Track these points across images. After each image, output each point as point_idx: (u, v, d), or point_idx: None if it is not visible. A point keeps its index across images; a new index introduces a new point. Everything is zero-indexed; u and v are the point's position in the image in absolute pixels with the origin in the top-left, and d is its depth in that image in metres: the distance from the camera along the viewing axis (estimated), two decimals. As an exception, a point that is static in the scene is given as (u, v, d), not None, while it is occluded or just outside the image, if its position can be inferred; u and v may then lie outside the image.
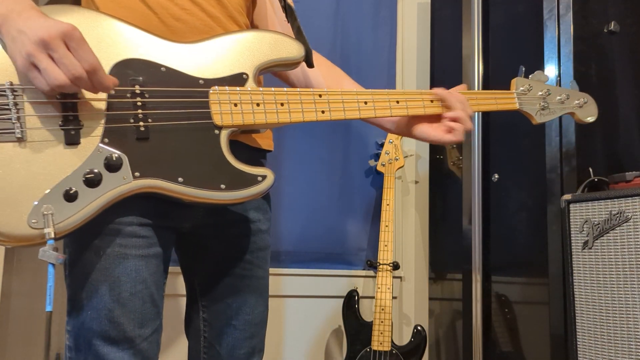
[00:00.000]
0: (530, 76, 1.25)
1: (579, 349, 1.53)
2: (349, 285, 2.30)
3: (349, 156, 2.45)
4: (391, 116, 1.10)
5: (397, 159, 2.31)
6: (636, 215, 1.43)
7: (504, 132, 1.94)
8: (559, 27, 1.75)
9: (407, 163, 2.44)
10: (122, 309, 0.93)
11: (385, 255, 2.20)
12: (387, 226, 2.22)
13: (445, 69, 2.37)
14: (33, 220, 0.82)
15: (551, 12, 1.77)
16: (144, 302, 0.95)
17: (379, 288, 2.17)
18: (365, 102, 1.05)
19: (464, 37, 2.14)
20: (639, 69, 1.82)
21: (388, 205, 2.24)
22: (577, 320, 1.54)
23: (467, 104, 1.12)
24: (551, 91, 1.26)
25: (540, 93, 1.25)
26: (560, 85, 1.73)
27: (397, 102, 1.08)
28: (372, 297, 2.29)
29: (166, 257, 1.03)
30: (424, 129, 1.13)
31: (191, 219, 1.06)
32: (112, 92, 0.88)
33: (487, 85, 2.03)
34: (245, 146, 1.09)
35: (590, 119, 1.30)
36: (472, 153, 2.02)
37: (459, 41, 2.16)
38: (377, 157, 2.36)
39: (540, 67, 1.77)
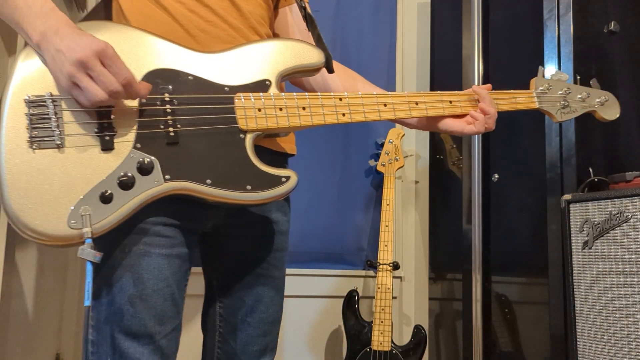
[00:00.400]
0: (550, 75, 1.26)
1: (579, 349, 1.53)
2: (349, 285, 2.30)
3: (349, 156, 2.45)
4: (410, 117, 1.15)
5: (397, 159, 2.31)
6: (636, 215, 1.43)
7: (504, 132, 1.94)
8: (559, 27, 1.75)
9: (407, 163, 2.44)
10: (144, 304, 0.97)
11: (385, 255, 2.20)
12: (387, 226, 2.22)
13: (445, 69, 2.37)
14: (72, 221, 0.87)
15: (551, 12, 1.77)
16: (164, 299, 0.99)
17: (379, 288, 2.17)
18: (385, 105, 1.10)
19: (464, 37, 2.14)
20: (639, 69, 1.82)
21: (388, 205, 2.24)
22: (577, 320, 1.54)
23: (495, 107, 1.19)
24: (571, 90, 1.27)
25: (561, 92, 1.26)
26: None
27: (417, 103, 1.13)
28: (372, 297, 2.29)
29: (189, 258, 1.06)
30: (447, 122, 1.19)
31: (214, 219, 1.09)
32: (144, 100, 0.94)
33: (487, 85, 2.03)
34: (269, 150, 1.13)
35: (612, 117, 1.30)
36: (472, 153, 2.02)
37: (459, 41, 2.16)
38: (377, 157, 2.36)
39: (540, 67, 1.77)
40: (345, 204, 2.43)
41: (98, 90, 0.86)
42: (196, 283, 1.17)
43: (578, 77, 1.31)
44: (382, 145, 2.35)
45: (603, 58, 1.79)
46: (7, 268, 1.40)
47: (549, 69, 1.75)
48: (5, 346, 1.44)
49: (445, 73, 2.36)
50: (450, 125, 1.19)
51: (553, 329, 1.65)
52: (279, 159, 1.18)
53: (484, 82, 2.03)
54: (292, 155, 1.23)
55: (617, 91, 1.32)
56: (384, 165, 2.31)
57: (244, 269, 1.16)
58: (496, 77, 2.02)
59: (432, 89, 2.43)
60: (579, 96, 1.27)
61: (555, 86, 1.26)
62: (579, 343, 1.53)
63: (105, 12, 1.12)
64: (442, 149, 2.32)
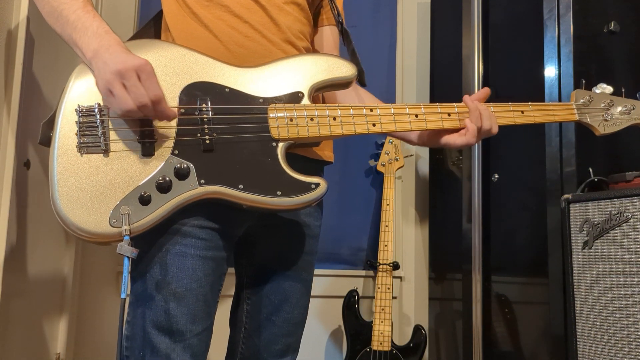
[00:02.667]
0: (593, 88, 1.26)
1: (579, 349, 1.53)
2: (349, 285, 2.30)
3: (349, 156, 2.45)
4: (443, 128, 1.16)
5: (397, 159, 2.31)
6: (636, 215, 1.43)
7: (504, 132, 1.94)
8: (559, 27, 1.75)
9: (407, 163, 2.44)
10: (177, 302, 1.01)
11: (385, 255, 2.20)
12: (387, 226, 2.22)
13: (445, 69, 2.37)
14: (113, 220, 0.94)
15: (551, 12, 1.77)
16: (197, 299, 1.03)
17: (379, 288, 2.17)
18: (416, 115, 1.13)
19: (464, 37, 2.14)
20: (639, 69, 1.82)
21: (388, 205, 2.24)
22: (577, 320, 1.54)
23: (487, 116, 1.16)
24: (614, 102, 1.27)
25: (603, 105, 1.27)
26: (561, 86, 1.73)
27: (449, 114, 1.15)
28: (372, 297, 2.29)
29: (225, 262, 1.10)
30: (448, 137, 1.18)
31: (249, 222, 1.14)
32: (182, 110, 1.00)
33: (487, 85, 2.03)
34: (304, 158, 1.17)
35: None
36: (472, 153, 2.02)
37: (459, 41, 2.16)
38: (377, 157, 2.36)
39: (540, 67, 1.77)
40: (345, 204, 2.43)
41: (128, 100, 0.93)
42: (224, 283, 1.18)
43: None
44: (382, 145, 2.35)
45: (603, 58, 1.79)
46: (8, 268, 1.40)
47: (549, 69, 1.75)
48: (5, 346, 1.44)
49: (445, 73, 2.36)
50: (448, 139, 1.18)
51: (553, 329, 1.65)
52: (315, 166, 1.22)
53: (484, 82, 2.03)
54: (329, 162, 1.26)
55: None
56: (384, 165, 2.31)
57: (273, 268, 1.20)
58: (496, 78, 2.02)
59: (432, 89, 2.43)
60: (623, 108, 1.27)
61: (597, 99, 1.26)
62: (579, 343, 1.53)
63: (154, 28, 1.22)
64: (442, 149, 2.32)
